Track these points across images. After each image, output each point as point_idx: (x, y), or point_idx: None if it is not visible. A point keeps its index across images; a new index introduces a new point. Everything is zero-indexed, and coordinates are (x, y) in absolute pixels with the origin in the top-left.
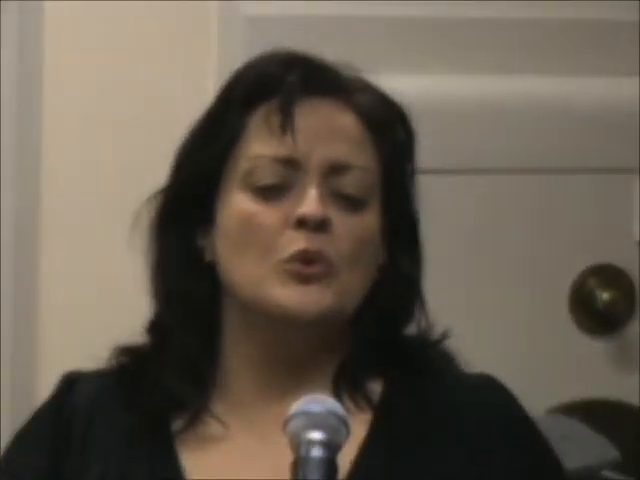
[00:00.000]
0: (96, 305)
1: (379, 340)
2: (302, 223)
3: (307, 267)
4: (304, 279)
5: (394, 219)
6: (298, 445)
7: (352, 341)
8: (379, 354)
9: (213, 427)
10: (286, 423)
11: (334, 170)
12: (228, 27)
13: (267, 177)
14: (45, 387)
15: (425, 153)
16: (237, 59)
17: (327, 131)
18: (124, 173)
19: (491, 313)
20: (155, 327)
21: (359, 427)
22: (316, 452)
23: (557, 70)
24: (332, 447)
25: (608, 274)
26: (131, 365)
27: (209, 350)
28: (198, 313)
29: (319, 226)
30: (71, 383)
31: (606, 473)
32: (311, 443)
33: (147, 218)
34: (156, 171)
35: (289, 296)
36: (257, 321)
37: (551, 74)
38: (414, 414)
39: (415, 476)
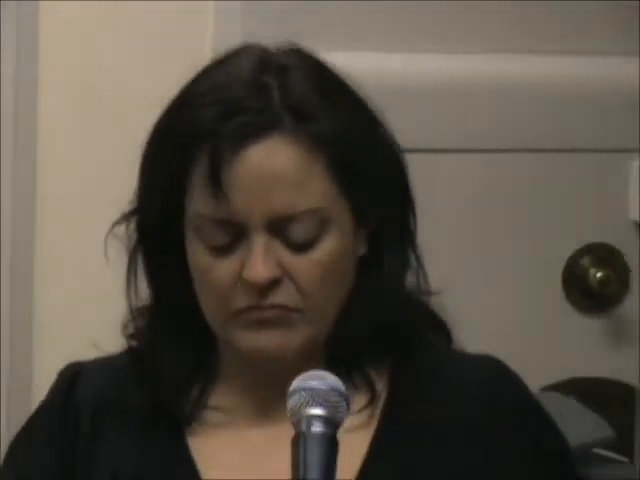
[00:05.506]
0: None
1: (371, 322)
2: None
3: (263, 312)
4: (262, 324)
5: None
6: (298, 421)
7: (342, 326)
8: (373, 335)
9: (216, 415)
10: (286, 399)
11: (278, 222)
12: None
13: (213, 238)
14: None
15: (416, 132)
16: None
17: (264, 182)
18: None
19: (484, 291)
20: (152, 315)
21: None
22: (317, 428)
23: (556, 50)
24: (333, 423)
25: (602, 253)
26: (133, 351)
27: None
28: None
29: (267, 286)
30: (74, 375)
31: (600, 451)
32: (311, 418)
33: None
34: None
35: (251, 341)
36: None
37: (550, 54)
38: (420, 401)
39: (422, 464)
